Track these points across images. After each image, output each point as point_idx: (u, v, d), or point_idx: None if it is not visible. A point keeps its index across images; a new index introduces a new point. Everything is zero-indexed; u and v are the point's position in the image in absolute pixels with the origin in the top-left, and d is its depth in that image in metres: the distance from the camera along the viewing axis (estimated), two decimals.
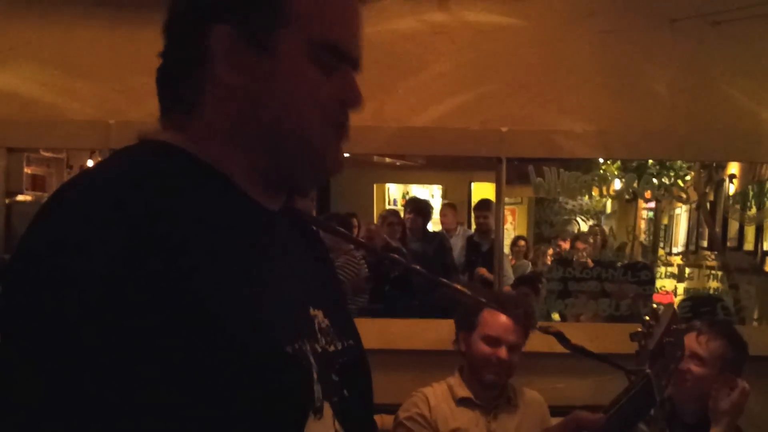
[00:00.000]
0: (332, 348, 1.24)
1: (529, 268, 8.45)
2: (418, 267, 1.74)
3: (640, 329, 2.05)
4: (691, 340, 3.34)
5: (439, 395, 3.57)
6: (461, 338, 3.55)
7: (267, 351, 1.08)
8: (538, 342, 3.46)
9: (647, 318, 2.07)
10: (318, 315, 1.25)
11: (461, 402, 3.54)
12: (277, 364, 1.09)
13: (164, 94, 1.24)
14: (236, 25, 1.17)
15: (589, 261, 5.42)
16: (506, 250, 8.63)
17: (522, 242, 9.25)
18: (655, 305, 5.09)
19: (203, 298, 1.03)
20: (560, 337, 1.82)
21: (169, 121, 1.23)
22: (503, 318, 3.41)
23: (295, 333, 1.16)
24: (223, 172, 1.20)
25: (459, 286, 1.83)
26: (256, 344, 1.07)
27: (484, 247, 7.46)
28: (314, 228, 1.46)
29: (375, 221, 7.81)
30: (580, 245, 7.22)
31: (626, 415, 1.87)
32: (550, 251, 8.35)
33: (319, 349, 1.20)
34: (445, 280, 1.73)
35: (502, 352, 3.41)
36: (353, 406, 1.26)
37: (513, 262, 8.80)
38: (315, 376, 1.16)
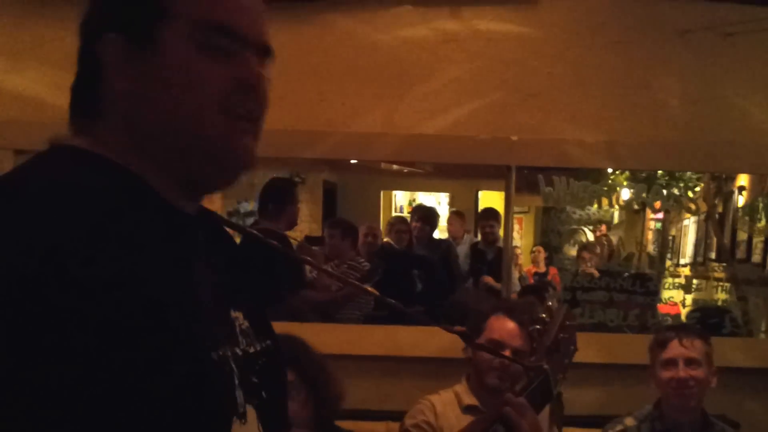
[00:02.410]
0: (252, 350, 1.24)
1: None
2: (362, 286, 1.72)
3: (537, 327, 2.11)
4: (676, 348, 3.34)
5: (446, 402, 3.57)
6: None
7: (194, 360, 1.07)
8: None
9: (543, 315, 2.14)
10: (239, 317, 1.24)
11: (467, 410, 3.53)
12: (203, 373, 1.08)
13: (72, 100, 1.25)
14: (122, 29, 1.17)
15: (595, 271, 5.42)
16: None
17: (540, 248, 9.26)
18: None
19: (132, 309, 1.01)
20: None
21: (77, 126, 1.23)
22: (509, 323, 3.41)
23: (218, 339, 1.15)
24: (138, 175, 1.18)
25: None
26: (183, 353, 1.05)
27: (488, 255, 7.46)
28: (226, 228, 1.43)
29: (382, 228, 7.79)
30: (586, 255, 7.21)
31: None
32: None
33: (240, 353, 1.20)
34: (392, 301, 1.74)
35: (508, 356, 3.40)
36: (272, 407, 1.26)
37: (533, 269, 8.82)
38: (237, 381, 1.16)
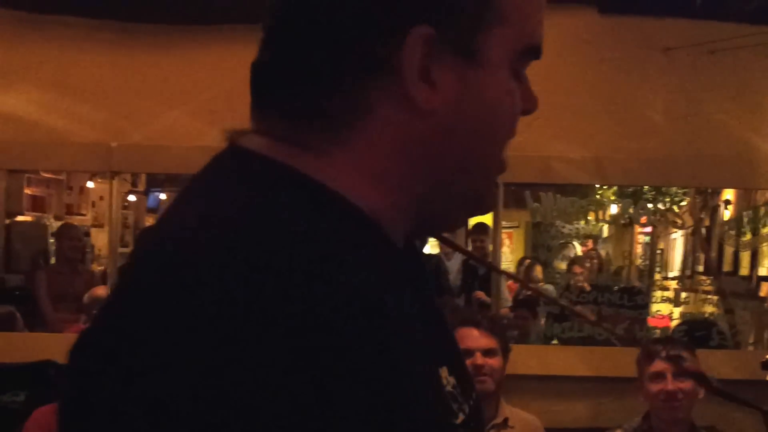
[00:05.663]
0: (462, 416, 0.91)
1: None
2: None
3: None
4: (663, 362, 3.37)
5: None
6: None
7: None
8: (534, 364, 3.49)
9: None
10: (443, 373, 0.91)
11: None
12: None
13: (297, 104, 0.86)
14: (437, 26, 0.83)
15: (586, 285, 5.46)
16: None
17: (528, 261, 9.24)
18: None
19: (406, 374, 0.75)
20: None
21: (293, 136, 0.85)
22: (474, 332, 3.48)
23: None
24: (374, 219, 0.85)
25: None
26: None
27: (480, 270, 7.48)
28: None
29: None
30: (576, 269, 7.23)
31: None
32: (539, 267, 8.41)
33: (459, 422, 0.91)
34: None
35: (477, 358, 3.46)
36: None
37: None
38: None
